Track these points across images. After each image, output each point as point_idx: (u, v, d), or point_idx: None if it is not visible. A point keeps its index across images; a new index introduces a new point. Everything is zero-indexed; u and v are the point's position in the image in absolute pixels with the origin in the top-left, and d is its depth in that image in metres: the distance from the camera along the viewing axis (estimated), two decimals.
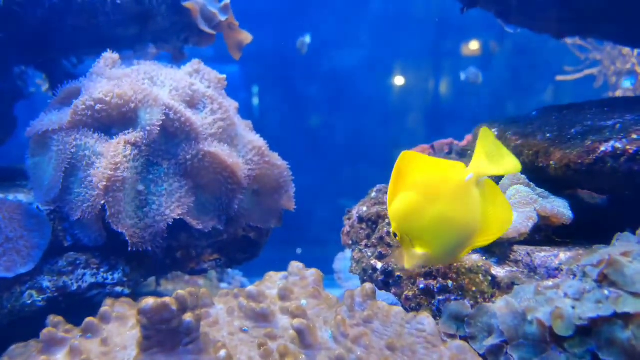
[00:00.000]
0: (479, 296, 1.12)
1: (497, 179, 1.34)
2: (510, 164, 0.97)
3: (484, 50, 4.54)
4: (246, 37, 2.09)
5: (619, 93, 3.41)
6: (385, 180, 1.78)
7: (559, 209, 1.19)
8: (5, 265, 1.24)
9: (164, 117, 1.35)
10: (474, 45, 4.54)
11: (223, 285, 2.67)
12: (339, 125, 4.53)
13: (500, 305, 1.02)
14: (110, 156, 1.28)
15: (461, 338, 1.07)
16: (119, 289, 1.36)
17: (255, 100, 4.61)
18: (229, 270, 2.78)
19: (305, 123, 4.53)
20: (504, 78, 4.57)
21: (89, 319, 1.15)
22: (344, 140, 4.51)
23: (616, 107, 1.38)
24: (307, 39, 3.95)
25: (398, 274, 1.27)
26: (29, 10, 1.55)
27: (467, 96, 4.41)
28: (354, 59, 4.56)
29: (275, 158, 1.60)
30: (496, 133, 1.54)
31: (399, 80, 4.67)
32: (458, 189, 0.97)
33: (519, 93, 4.49)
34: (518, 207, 1.20)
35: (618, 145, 1.11)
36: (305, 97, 4.59)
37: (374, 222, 1.48)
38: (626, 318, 0.86)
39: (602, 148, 1.13)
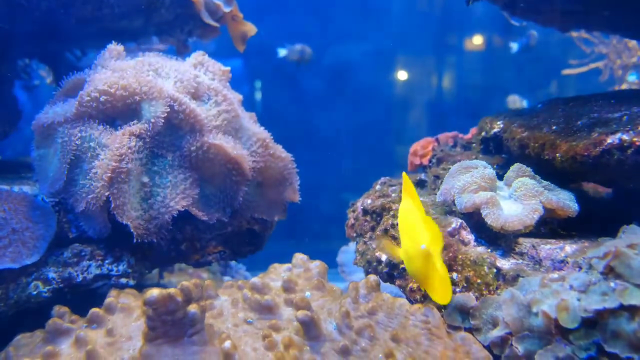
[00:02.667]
0: (484, 288, 1.12)
1: (503, 172, 1.33)
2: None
3: (487, 45, 4.52)
4: (250, 28, 2.08)
5: (624, 87, 3.39)
6: (389, 173, 1.78)
7: (565, 201, 1.19)
8: (11, 256, 1.24)
9: (169, 109, 1.35)
10: (477, 40, 4.52)
11: (226, 278, 2.67)
12: (342, 119, 4.52)
13: (505, 297, 1.02)
14: (115, 148, 1.28)
15: (466, 330, 1.07)
16: (123, 280, 1.37)
17: (258, 95, 4.60)
18: (233, 263, 2.78)
19: (308, 117, 4.52)
20: (508, 72, 4.55)
21: (94, 310, 1.15)
22: (347, 134, 4.50)
23: (623, 99, 1.37)
24: (305, 48, 3.62)
25: (403, 266, 1.27)
26: (33, 2, 1.55)
27: (470, 90, 4.40)
28: (357, 53, 4.54)
29: (280, 150, 1.59)
30: (502, 125, 1.53)
31: (402, 75, 4.65)
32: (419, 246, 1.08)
33: (523, 87, 4.47)
34: (523, 200, 1.19)
35: (625, 137, 1.10)
36: (309, 91, 4.58)
37: (378, 214, 1.48)
38: (632, 310, 0.86)
39: (609, 140, 1.12)
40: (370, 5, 4.58)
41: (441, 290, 1.03)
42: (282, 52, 3.68)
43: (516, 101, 3.78)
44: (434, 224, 1.10)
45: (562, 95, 1.65)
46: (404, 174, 1.23)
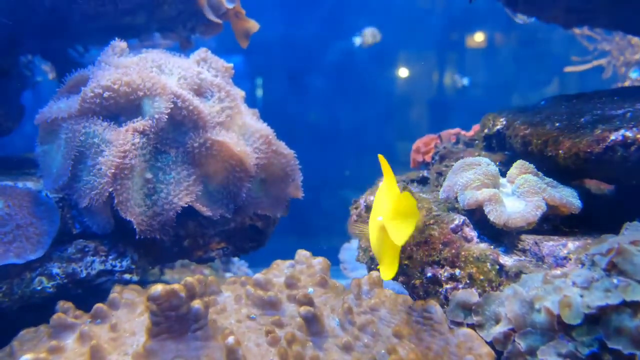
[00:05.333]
0: (486, 285, 1.12)
1: (506, 169, 1.33)
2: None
3: (489, 42, 4.51)
4: (253, 25, 2.08)
5: (627, 84, 3.38)
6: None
7: (568, 198, 1.19)
8: (15, 251, 1.25)
9: (172, 106, 1.35)
10: (479, 37, 4.51)
11: (228, 275, 2.68)
12: (344, 116, 4.52)
13: (508, 294, 1.02)
14: (119, 144, 1.28)
15: (468, 326, 1.07)
16: (127, 276, 1.37)
17: (259, 92, 4.60)
18: (235, 260, 2.79)
19: (309, 114, 4.52)
20: (509, 70, 4.54)
21: (98, 305, 1.15)
22: (349, 131, 4.50)
23: (626, 96, 1.37)
24: (373, 29, 3.67)
25: (406, 262, 1.27)
26: None
27: (472, 87, 4.39)
28: (359, 49, 4.53)
29: (282, 147, 1.60)
30: (504, 122, 1.53)
31: (404, 71, 4.65)
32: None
33: (525, 85, 4.46)
34: (526, 196, 1.19)
35: (628, 134, 1.10)
36: (310, 88, 4.57)
37: None
38: (635, 306, 0.86)
39: (612, 137, 1.12)
40: (372, 1, 4.57)
41: (388, 265, 1.00)
42: (358, 41, 3.70)
43: (456, 80, 3.79)
44: (395, 194, 1.04)
45: (564, 93, 1.65)
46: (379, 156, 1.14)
